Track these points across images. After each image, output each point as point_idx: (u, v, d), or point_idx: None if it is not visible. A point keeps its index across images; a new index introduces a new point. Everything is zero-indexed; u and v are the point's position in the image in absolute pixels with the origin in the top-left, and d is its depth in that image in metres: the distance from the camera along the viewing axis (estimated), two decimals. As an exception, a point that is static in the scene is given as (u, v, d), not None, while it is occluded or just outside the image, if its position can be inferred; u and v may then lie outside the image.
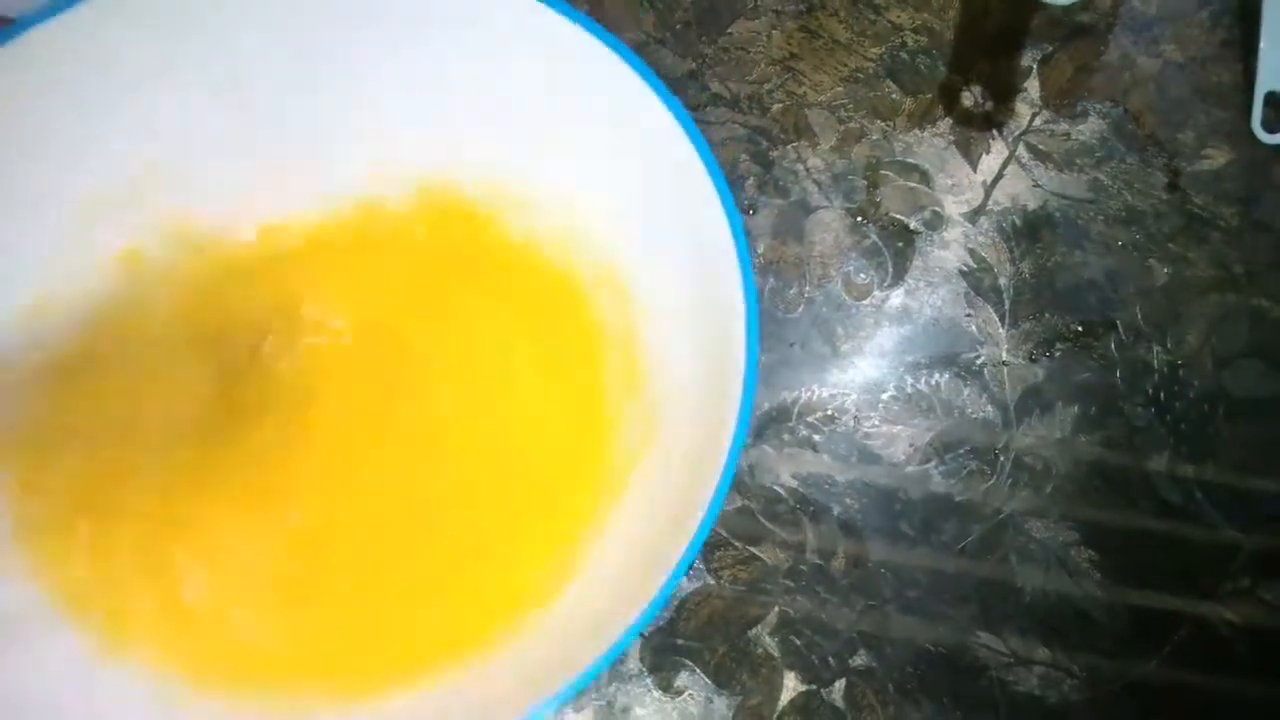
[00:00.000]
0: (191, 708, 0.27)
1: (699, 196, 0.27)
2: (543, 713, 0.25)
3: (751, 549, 0.36)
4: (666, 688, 0.35)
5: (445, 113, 0.30)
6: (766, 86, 0.38)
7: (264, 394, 0.31)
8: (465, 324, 0.32)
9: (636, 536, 0.29)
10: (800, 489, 0.36)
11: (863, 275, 0.37)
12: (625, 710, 0.35)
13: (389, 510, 0.31)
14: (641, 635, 0.35)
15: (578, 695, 0.35)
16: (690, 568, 0.25)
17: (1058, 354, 0.37)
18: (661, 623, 0.35)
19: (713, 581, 0.36)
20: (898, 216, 0.37)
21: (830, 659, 0.35)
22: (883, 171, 0.37)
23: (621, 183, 0.29)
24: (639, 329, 0.31)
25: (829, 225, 0.37)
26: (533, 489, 0.31)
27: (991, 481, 0.36)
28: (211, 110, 0.28)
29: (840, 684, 0.35)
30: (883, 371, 0.37)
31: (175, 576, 0.29)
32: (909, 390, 0.37)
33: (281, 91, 0.29)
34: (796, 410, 0.36)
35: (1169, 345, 0.37)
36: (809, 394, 0.37)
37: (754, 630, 0.35)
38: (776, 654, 0.35)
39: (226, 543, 0.29)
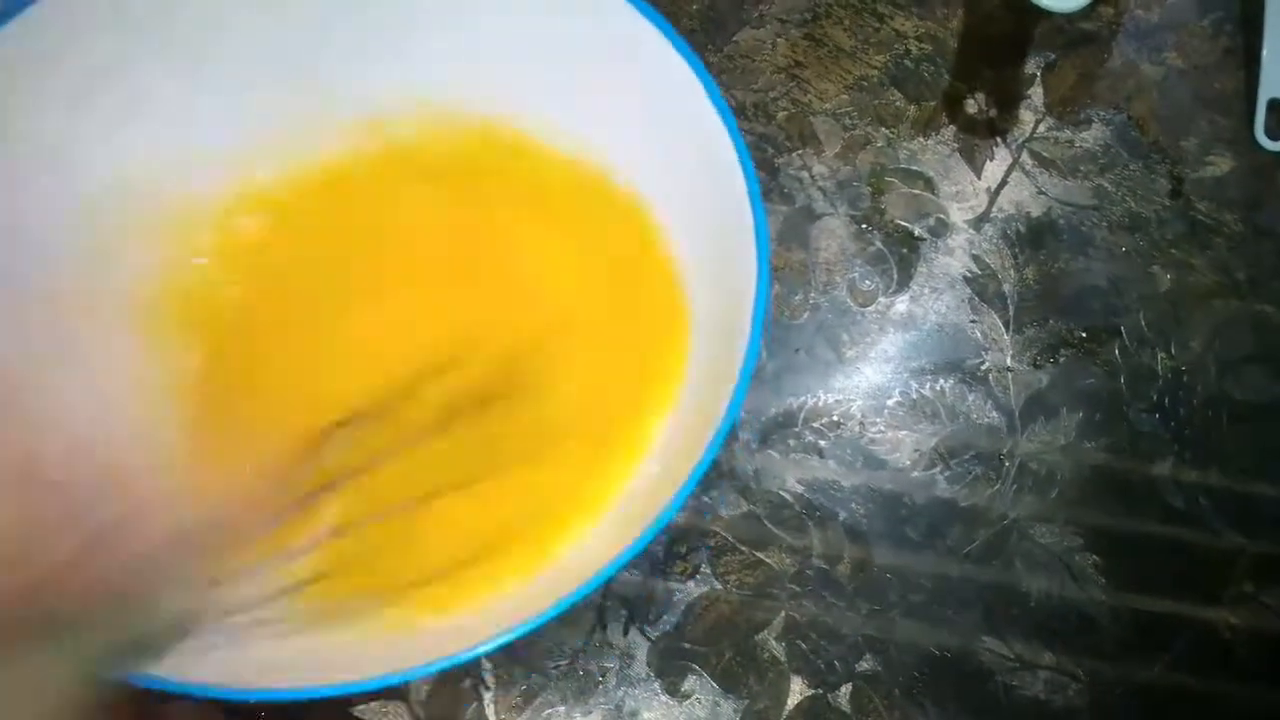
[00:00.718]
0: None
1: (728, 181, 0.28)
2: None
3: (758, 554, 0.36)
4: (673, 692, 0.35)
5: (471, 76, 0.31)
6: (772, 94, 0.38)
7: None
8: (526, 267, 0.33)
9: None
10: (806, 494, 0.36)
11: (868, 282, 0.37)
12: (633, 714, 0.35)
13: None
14: (649, 640, 0.35)
15: (584, 697, 0.35)
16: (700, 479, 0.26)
17: (1062, 360, 0.37)
18: (668, 627, 0.36)
19: (719, 586, 0.36)
20: (902, 223, 0.38)
21: (836, 663, 0.36)
22: (887, 178, 0.38)
23: (653, 151, 0.30)
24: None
25: (834, 232, 0.37)
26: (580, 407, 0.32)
27: (996, 487, 0.37)
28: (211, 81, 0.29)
29: (846, 688, 0.36)
30: (888, 377, 0.37)
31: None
32: (914, 396, 0.37)
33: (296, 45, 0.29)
34: (802, 416, 0.37)
35: (1172, 351, 0.37)
36: (814, 400, 0.37)
37: (760, 635, 0.36)
38: (783, 658, 0.36)
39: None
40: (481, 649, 0.26)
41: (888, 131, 0.38)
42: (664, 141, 0.29)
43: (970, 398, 0.37)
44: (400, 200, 0.33)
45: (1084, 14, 0.38)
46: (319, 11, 0.29)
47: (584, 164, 0.32)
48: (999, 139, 0.38)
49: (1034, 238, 0.38)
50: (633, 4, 0.27)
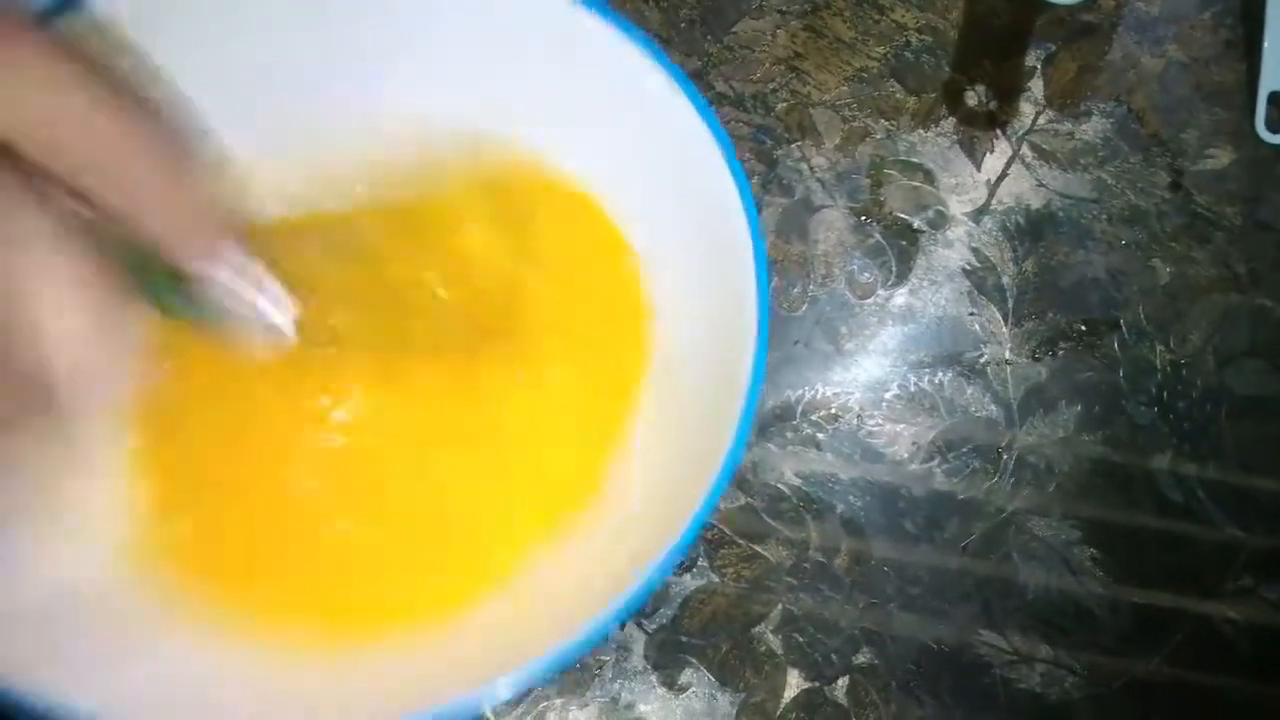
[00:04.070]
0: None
1: (717, 189, 0.27)
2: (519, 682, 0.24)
3: (755, 547, 0.36)
4: (670, 684, 0.35)
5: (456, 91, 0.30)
6: (771, 85, 0.38)
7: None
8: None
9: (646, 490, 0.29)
10: (804, 487, 0.36)
11: (866, 274, 0.37)
12: (629, 707, 0.35)
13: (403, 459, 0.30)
14: (646, 633, 0.35)
15: (581, 690, 0.35)
16: (697, 531, 0.25)
17: (1061, 353, 0.37)
18: (665, 620, 0.35)
19: (716, 579, 0.36)
20: (901, 215, 0.37)
21: (833, 656, 0.36)
22: (886, 170, 0.38)
23: (637, 162, 0.29)
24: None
25: (833, 224, 0.37)
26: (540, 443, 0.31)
27: (994, 480, 0.37)
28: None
29: (843, 681, 0.36)
30: (886, 370, 0.37)
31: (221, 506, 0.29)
32: (912, 389, 0.37)
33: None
34: (800, 408, 0.37)
35: (1171, 344, 0.37)
36: (812, 392, 0.37)
37: (757, 627, 0.36)
38: (780, 651, 0.36)
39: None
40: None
41: (887, 123, 0.38)
42: (654, 169, 0.29)
43: (969, 390, 0.37)
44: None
45: (1084, 6, 0.38)
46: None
47: (562, 190, 0.31)
48: (999, 131, 0.38)
49: (1033, 230, 0.37)
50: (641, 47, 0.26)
